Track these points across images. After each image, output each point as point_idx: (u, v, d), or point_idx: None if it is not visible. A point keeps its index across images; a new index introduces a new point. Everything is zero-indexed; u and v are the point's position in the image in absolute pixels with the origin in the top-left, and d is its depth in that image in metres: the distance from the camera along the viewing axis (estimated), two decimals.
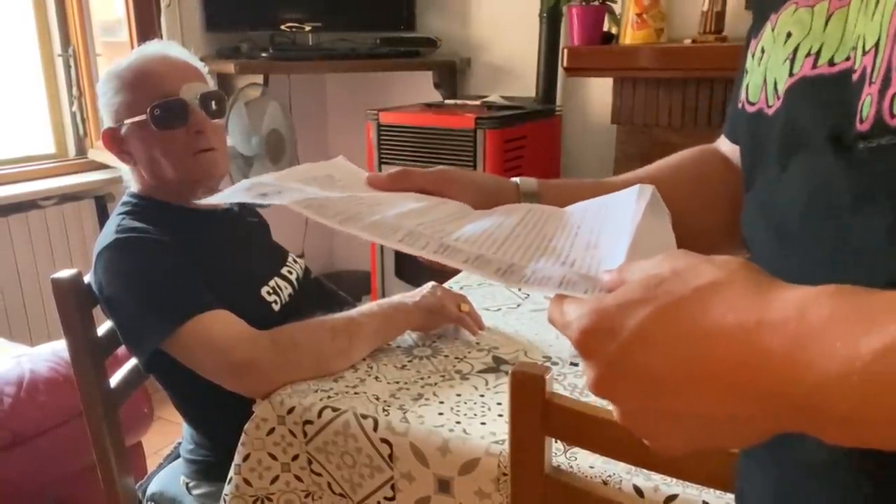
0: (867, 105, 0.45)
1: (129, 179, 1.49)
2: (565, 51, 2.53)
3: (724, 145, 0.80)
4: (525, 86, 2.99)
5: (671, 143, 2.65)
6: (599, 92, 2.90)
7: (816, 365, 0.36)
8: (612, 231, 0.59)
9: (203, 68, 1.49)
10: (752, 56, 0.61)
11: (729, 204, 0.74)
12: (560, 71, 2.78)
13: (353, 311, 1.33)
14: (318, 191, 0.64)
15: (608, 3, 2.54)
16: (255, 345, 1.24)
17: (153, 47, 1.46)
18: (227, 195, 0.68)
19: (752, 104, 0.60)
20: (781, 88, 0.55)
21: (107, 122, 1.44)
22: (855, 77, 0.47)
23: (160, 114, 1.36)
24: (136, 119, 1.38)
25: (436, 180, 0.72)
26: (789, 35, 0.55)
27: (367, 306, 1.36)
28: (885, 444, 0.36)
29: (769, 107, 0.57)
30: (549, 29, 2.81)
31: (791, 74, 0.54)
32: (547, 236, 0.60)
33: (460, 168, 0.75)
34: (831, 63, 0.50)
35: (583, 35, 2.51)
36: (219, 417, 1.41)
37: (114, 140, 1.43)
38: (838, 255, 0.48)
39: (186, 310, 1.25)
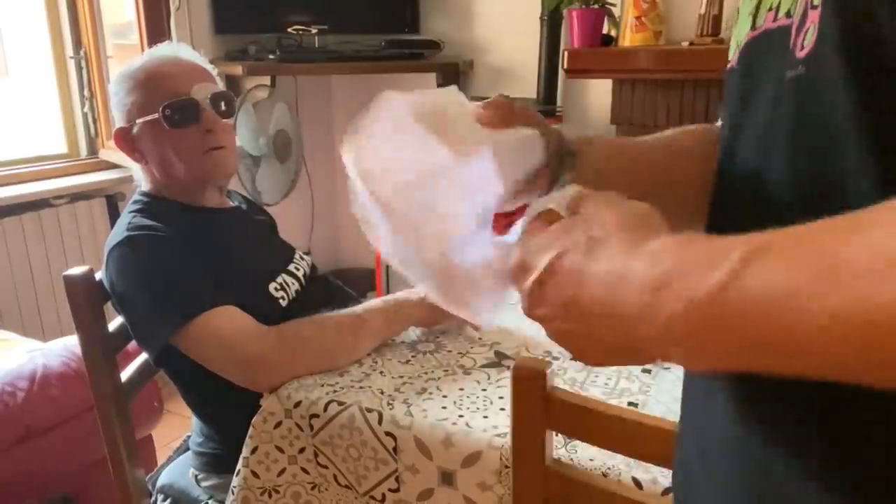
0: (793, 42, 0.49)
1: (140, 178, 1.50)
2: (566, 53, 2.53)
3: None
4: (526, 87, 2.99)
5: None
6: (599, 93, 2.90)
7: (664, 307, 0.42)
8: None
9: (212, 70, 1.49)
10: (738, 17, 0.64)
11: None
12: (560, 72, 2.77)
13: (359, 308, 1.33)
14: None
15: (608, 6, 2.53)
16: (262, 341, 1.24)
17: (164, 49, 1.47)
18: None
19: (729, 62, 0.64)
20: (742, 43, 0.60)
21: (119, 121, 1.44)
22: (790, 21, 0.51)
23: (172, 113, 1.37)
24: (148, 118, 1.38)
25: (532, 118, 0.74)
26: None
27: (371, 302, 1.36)
28: (724, 364, 0.42)
29: (729, 63, 0.63)
30: (550, 31, 2.81)
31: (753, 28, 0.58)
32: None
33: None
34: (788, 15, 0.53)
35: (583, 37, 2.51)
36: (227, 411, 1.41)
37: (125, 139, 1.43)
38: (764, 183, 0.53)
39: (196, 306, 1.25)
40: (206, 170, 1.42)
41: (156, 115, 1.37)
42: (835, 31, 0.43)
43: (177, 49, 1.47)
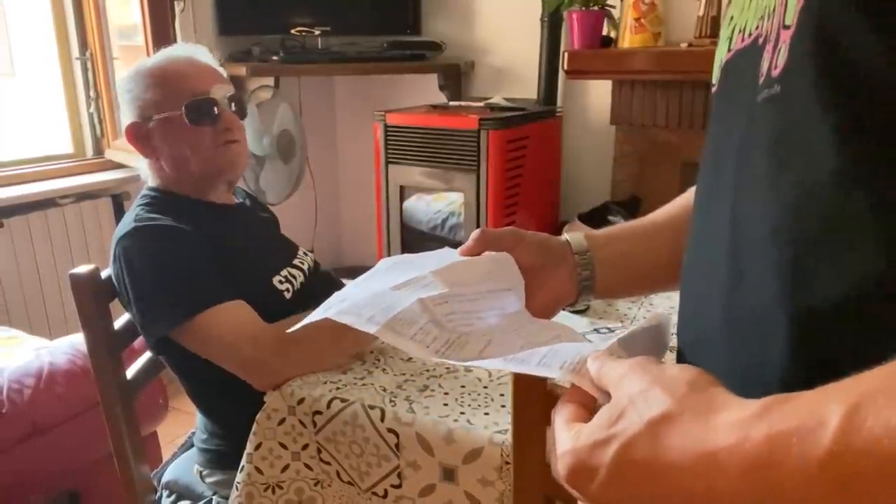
0: (765, 62, 0.49)
1: (147, 174, 1.51)
2: (566, 54, 2.52)
3: None
4: (527, 88, 2.99)
5: (668, 143, 2.65)
6: (599, 94, 2.90)
7: (771, 481, 0.37)
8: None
9: (224, 73, 1.53)
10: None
11: None
12: (561, 73, 2.77)
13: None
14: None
15: (607, 7, 2.53)
16: (260, 344, 1.25)
17: (183, 50, 1.50)
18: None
19: (713, 85, 0.65)
20: (722, 64, 0.60)
21: (131, 117, 1.45)
22: (760, 41, 0.51)
23: (193, 111, 1.40)
24: (167, 115, 1.41)
25: (508, 237, 0.80)
26: (732, 17, 0.60)
27: None
28: None
29: (713, 85, 0.63)
30: (550, 33, 2.81)
31: (729, 50, 0.59)
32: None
33: (517, 230, 0.83)
34: (749, 34, 0.54)
35: (583, 39, 2.50)
36: (231, 408, 1.42)
37: (138, 134, 1.45)
38: (737, 198, 0.53)
39: (199, 302, 1.26)
40: (221, 164, 1.45)
41: (176, 112, 1.40)
42: (809, 47, 0.44)
43: (194, 50, 1.50)
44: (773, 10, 0.49)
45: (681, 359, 0.65)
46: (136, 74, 1.45)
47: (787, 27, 0.46)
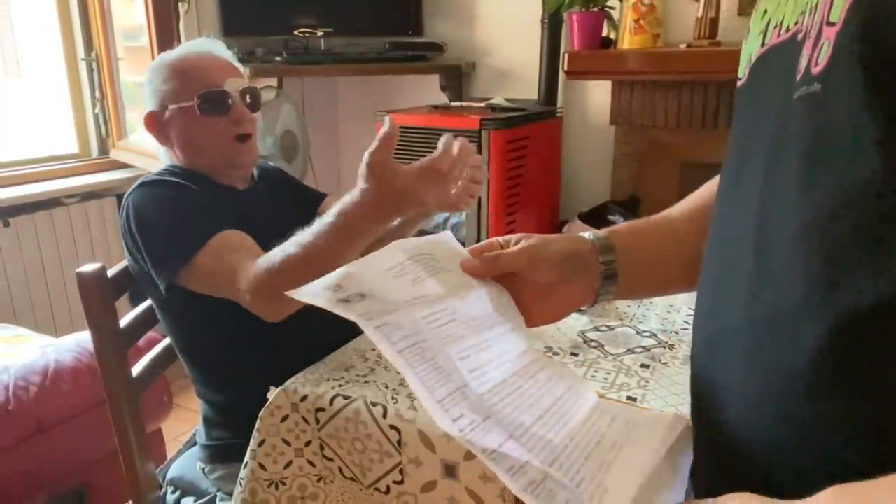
0: (804, 58, 0.48)
1: (165, 160, 1.56)
2: (566, 55, 2.53)
3: None
4: (527, 88, 2.99)
5: (667, 143, 2.65)
6: (599, 94, 2.90)
7: None
8: (628, 461, 0.60)
9: (241, 67, 1.57)
10: (748, 35, 0.63)
11: None
12: (561, 74, 2.78)
13: (311, 237, 1.22)
14: (398, 300, 0.65)
15: (607, 9, 2.53)
16: (251, 278, 1.23)
17: (201, 44, 1.55)
18: (309, 293, 0.63)
19: (740, 79, 0.62)
20: (752, 59, 0.58)
21: (150, 106, 1.50)
22: (799, 37, 0.50)
23: (205, 102, 1.45)
24: (182, 105, 1.45)
25: (524, 262, 0.74)
26: (765, 12, 0.58)
27: (320, 225, 1.22)
28: None
29: (740, 79, 0.61)
30: (551, 34, 2.81)
31: (762, 45, 0.57)
32: (571, 431, 0.61)
33: (542, 239, 0.76)
34: (787, 30, 0.52)
35: (583, 40, 2.51)
36: (236, 400, 1.42)
37: (156, 123, 1.50)
38: (766, 196, 0.51)
39: (199, 237, 1.29)
40: (233, 158, 1.49)
41: (189, 103, 1.44)
42: (855, 46, 0.42)
43: (212, 45, 1.55)
44: (816, 5, 0.48)
45: (695, 359, 0.64)
46: (158, 66, 1.49)
47: (831, 24, 0.45)
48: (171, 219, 1.34)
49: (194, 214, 1.35)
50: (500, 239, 0.78)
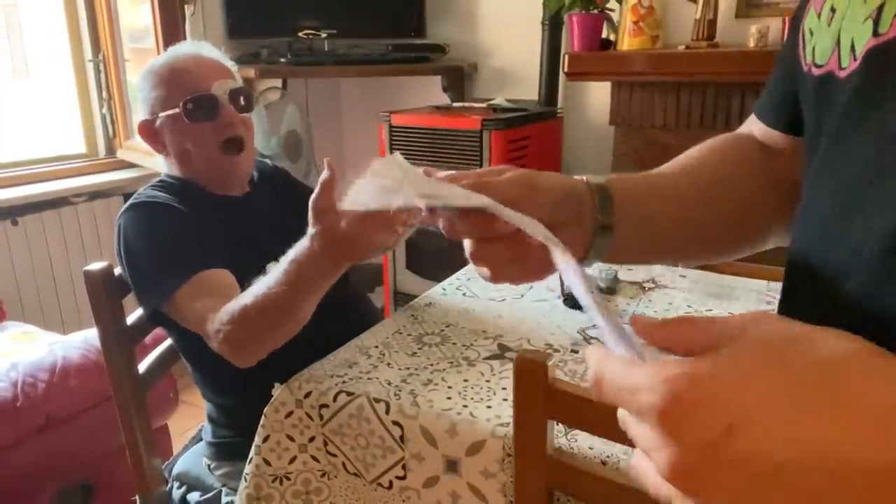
0: None
1: (164, 168, 1.53)
2: (566, 56, 2.52)
3: (757, 130, 0.74)
4: (528, 89, 2.99)
5: (666, 144, 2.64)
6: (598, 95, 2.90)
7: None
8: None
9: (233, 67, 1.52)
10: (819, 16, 0.54)
11: (774, 186, 0.70)
12: (561, 75, 2.77)
13: (265, 287, 1.19)
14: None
15: (607, 11, 2.53)
16: (221, 314, 1.21)
17: (187, 47, 1.50)
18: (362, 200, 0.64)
19: (820, 66, 0.53)
20: (860, 49, 0.48)
21: (143, 114, 1.47)
22: None
23: (192, 108, 1.40)
24: (170, 112, 1.42)
25: (514, 191, 0.60)
26: None
27: (275, 274, 1.20)
28: None
29: (842, 69, 0.50)
30: (551, 36, 2.81)
31: (876, 34, 0.47)
32: None
33: (535, 171, 0.63)
34: None
35: (583, 41, 2.50)
36: (239, 401, 1.42)
37: (149, 131, 1.46)
38: (881, 198, 0.43)
39: (183, 272, 1.27)
40: (224, 166, 1.44)
41: (177, 110, 1.40)
42: None
43: (199, 47, 1.50)
44: None
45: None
46: (146, 73, 1.46)
47: None
48: (152, 255, 1.31)
49: (176, 248, 1.31)
50: (482, 170, 0.64)
